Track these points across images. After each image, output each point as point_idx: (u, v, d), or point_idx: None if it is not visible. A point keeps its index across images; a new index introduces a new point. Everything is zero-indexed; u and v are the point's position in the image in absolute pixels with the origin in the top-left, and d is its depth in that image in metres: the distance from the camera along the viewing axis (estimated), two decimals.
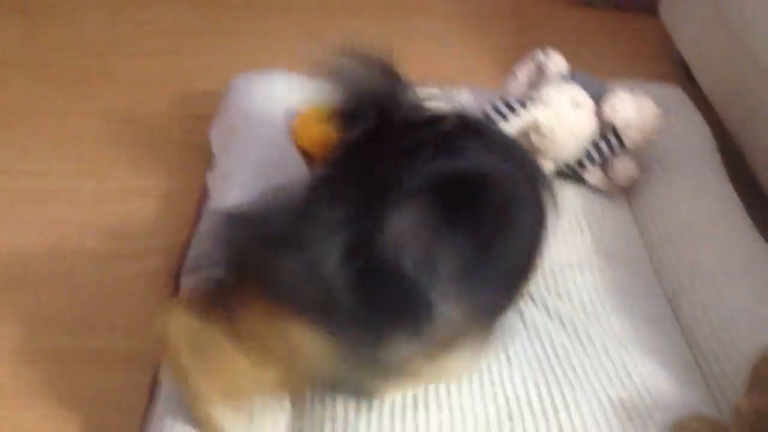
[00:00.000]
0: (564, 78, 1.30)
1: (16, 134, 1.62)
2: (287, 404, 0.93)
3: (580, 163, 1.28)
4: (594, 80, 1.30)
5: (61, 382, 1.14)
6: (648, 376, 0.98)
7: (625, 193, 1.31)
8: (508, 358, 1.00)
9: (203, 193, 1.37)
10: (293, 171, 1.31)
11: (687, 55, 1.70)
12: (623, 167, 1.27)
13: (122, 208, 1.45)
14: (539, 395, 0.95)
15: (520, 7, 2.13)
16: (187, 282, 0.99)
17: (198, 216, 1.31)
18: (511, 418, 0.92)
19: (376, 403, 0.93)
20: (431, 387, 0.95)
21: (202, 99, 1.72)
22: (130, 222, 1.42)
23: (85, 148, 1.60)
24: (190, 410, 0.85)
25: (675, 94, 1.48)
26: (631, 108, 1.24)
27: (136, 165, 1.55)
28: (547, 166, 1.28)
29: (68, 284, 1.29)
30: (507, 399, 0.95)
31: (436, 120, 0.90)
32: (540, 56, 1.33)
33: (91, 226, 1.41)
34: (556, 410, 0.93)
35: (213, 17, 2.04)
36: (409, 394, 0.94)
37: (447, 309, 0.81)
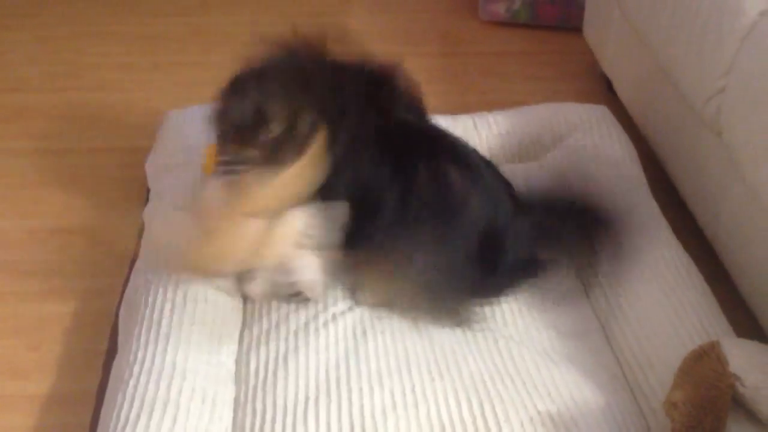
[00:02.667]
0: None
1: None
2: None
3: None
4: None
5: None
6: (575, 387, 1.01)
7: None
8: (441, 375, 1.02)
9: (141, 230, 1.35)
10: None
11: (609, 72, 1.76)
12: None
13: (53, 247, 1.43)
14: (471, 410, 0.97)
15: (447, 28, 2.17)
16: None
17: (137, 254, 1.27)
18: None
19: None
20: (366, 410, 0.96)
21: (138, 132, 1.70)
22: (62, 262, 1.39)
23: (10, 187, 1.57)
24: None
25: (600, 111, 1.53)
26: None
27: (67, 202, 1.53)
28: None
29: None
30: (440, 416, 0.97)
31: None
32: None
33: (22, 267, 1.38)
34: (486, 424, 0.95)
35: (148, 51, 2.03)
36: (345, 420, 0.96)
37: None
